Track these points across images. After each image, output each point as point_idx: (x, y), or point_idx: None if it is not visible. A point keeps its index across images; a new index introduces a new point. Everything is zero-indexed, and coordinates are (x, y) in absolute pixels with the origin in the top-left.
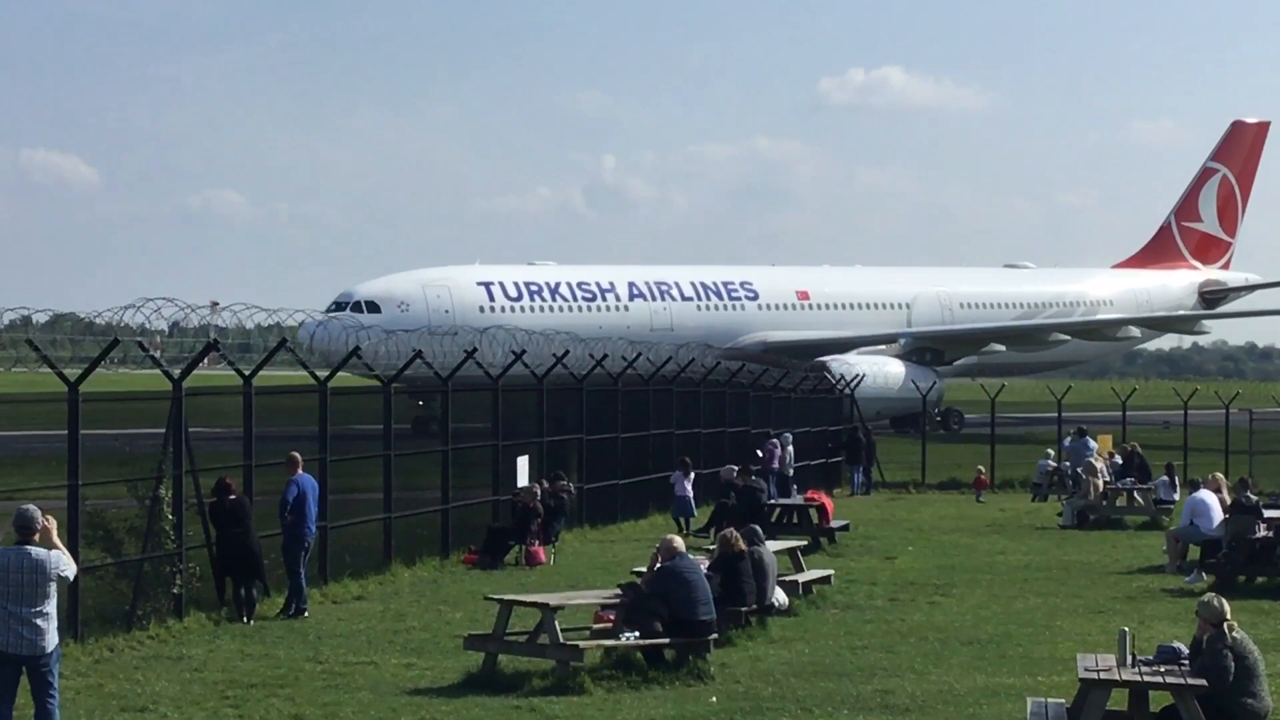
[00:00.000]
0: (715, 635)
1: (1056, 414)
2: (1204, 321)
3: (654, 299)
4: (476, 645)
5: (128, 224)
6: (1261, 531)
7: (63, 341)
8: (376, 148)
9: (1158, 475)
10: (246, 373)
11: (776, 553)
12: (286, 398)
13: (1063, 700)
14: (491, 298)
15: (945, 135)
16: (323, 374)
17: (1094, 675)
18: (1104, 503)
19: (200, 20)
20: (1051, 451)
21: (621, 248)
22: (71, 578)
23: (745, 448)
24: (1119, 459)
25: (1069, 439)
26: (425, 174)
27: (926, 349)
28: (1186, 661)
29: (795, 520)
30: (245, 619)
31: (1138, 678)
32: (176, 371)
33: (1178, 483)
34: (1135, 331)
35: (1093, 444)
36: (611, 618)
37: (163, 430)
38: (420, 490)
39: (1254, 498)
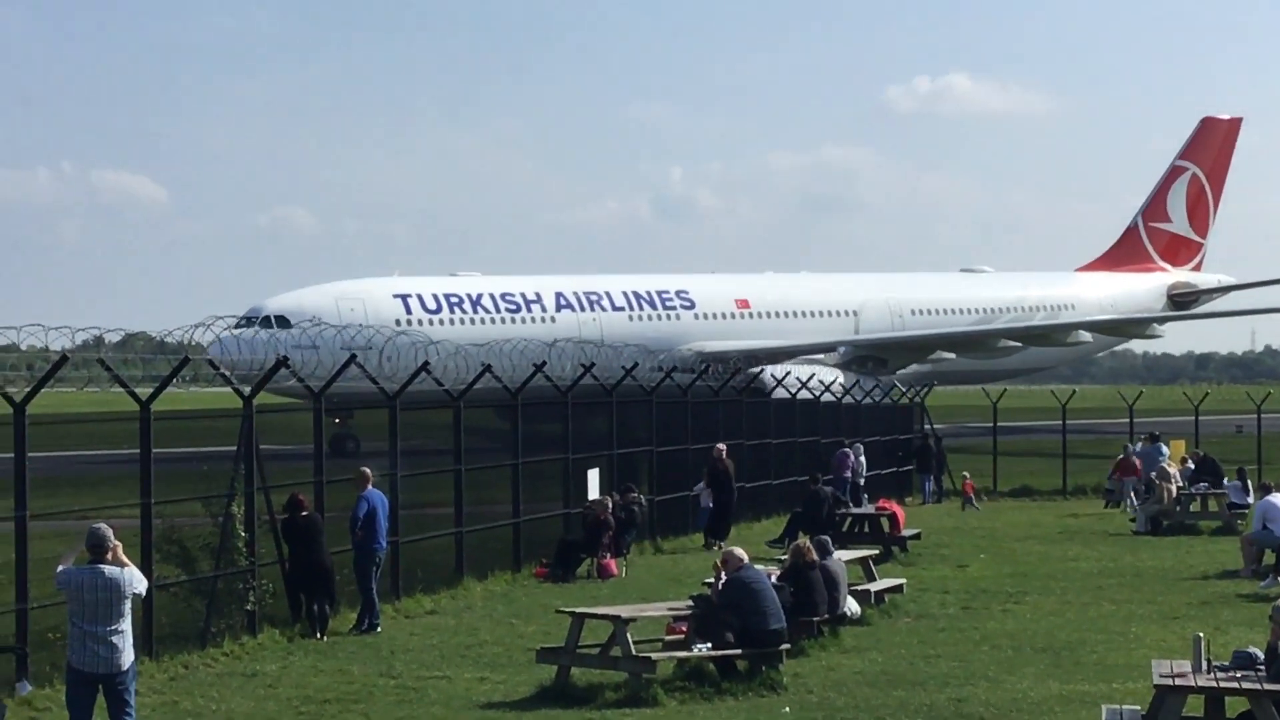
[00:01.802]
0: (787, 645)
1: (1128, 419)
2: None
3: (583, 309)
4: (549, 658)
5: (197, 243)
6: None
7: (134, 360)
8: (444, 163)
9: (1230, 479)
10: (315, 389)
11: (848, 562)
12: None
13: (1138, 707)
14: (409, 310)
15: (1012, 140)
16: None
17: (1169, 682)
18: (1178, 508)
19: (267, 39)
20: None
21: (689, 258)
22: (144, 594)
23: (816, 458)
24: (1192, 464)
25: (1140, 444)
26: (494, 188)
27: (868, 357)
28: (1263, 667)
29: (867, 529)
30: (318, 635)
31: (1214, 684)
32: (247, 389)
33: (1250, 486)
34: (1087, 336)
35: (1165, 449)
36: (683, 629)
37: (234, 447)
38: (492, 504)
39: None
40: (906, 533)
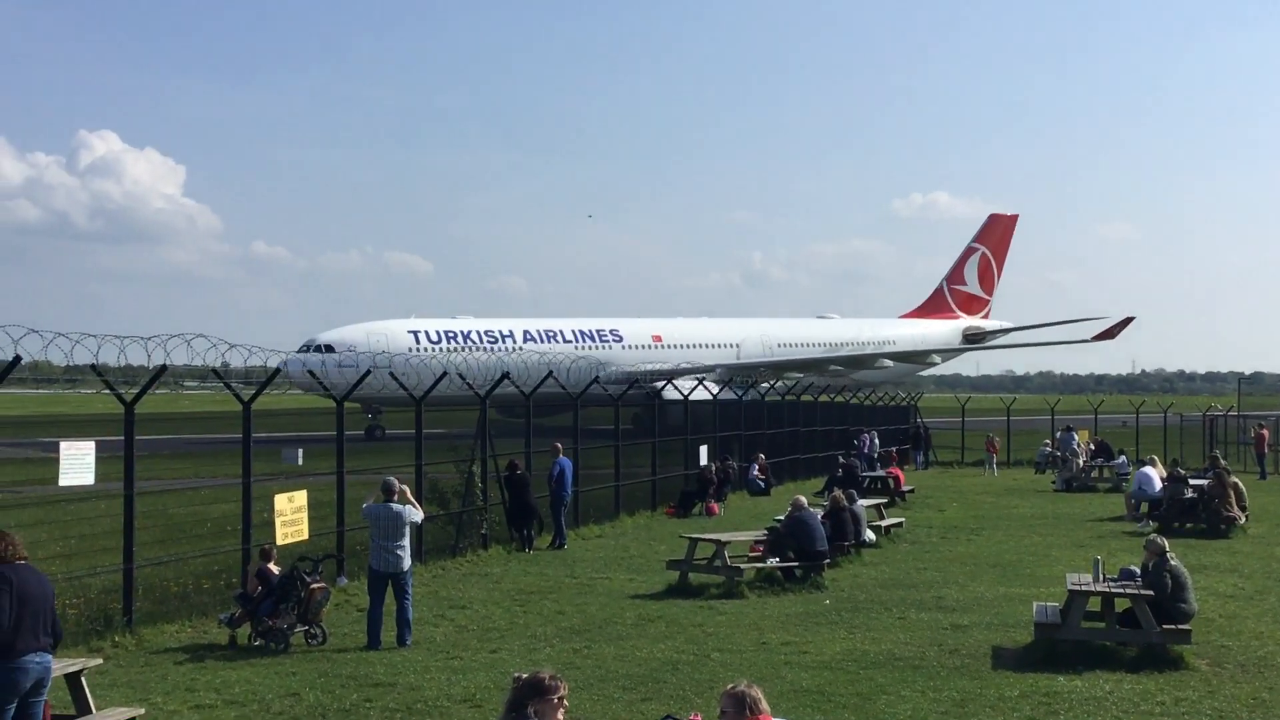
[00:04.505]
0: (828, 561)
1: (1050, 417)
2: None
3: (542, 342)
4: (674, 566)
5: (447, 299)
6: None
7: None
8: (604, 248)
9: (1118, 456)
10: (527, 392)
11: (866, 507)
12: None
13: (1057, 604)
14: (418, 341)
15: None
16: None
17: (1078, 587)
18: (1084, 475)
19: (496, 169)
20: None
21: (766, 310)
22: (419, 522)
23: (846, 440)
24: (1093, 446)
25: (1060, 433)
26: (640, 265)
27: (737, 376)
28: (1140, 579)
29: (879, 486)
30: (526, 550)
31: (1106, 590)
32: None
33: (1130, 461)
34: (889, 362)
35: (1076, 436)
36: (760, 549)
37: (473, 430)
38: (637, 467)
39: None
40: (905, 488)
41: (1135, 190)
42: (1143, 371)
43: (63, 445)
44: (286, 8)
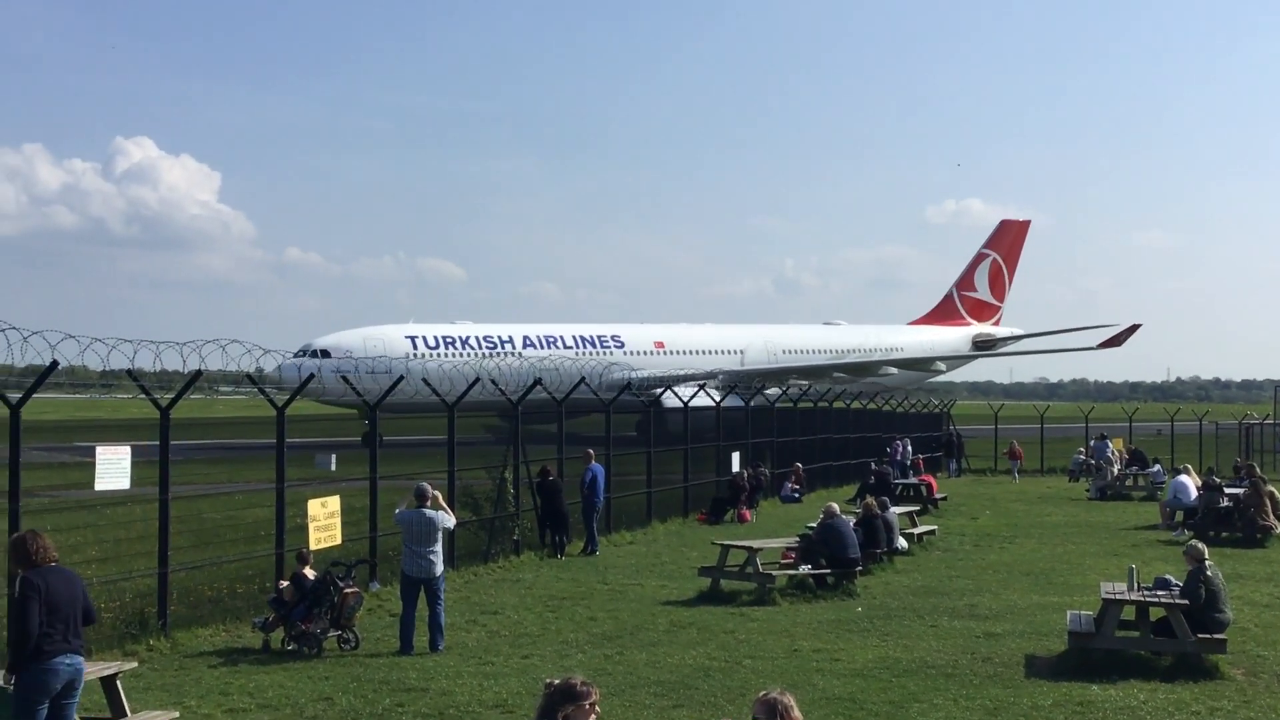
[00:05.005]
0: (860, 568)
1: (1084, 424)
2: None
3: (542, 347)
4: (706, 573)
5: (482, 304)
6: None
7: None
8: (636, 254)
9: (1152, 465)
10: (559, 398)
11: (899, 514)
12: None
13: (1091, 613)
14: (415, 347)
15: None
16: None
17: (1112, 596)
18: (1118, 483)
19: (527, 175)
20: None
21: (794, 317)
22: (452, 528)
23: (878, 447)
24: (1127, 454)
25: (1094, 441)
26: (672, 271)
27: (740, 383)
28: (1177, 587)
29: (912, 494)
30: (558, 556)
31: (1141, 599)
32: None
33: (1164, 469)
34: (893, 370)
35: (1110, 444)
36: (793, 556)
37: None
38: (669, 474)
39: None
40: (938, 496)
41: (1168, 197)
42: (1178, 379)
43: (99, 450)
44: (320, 14)
